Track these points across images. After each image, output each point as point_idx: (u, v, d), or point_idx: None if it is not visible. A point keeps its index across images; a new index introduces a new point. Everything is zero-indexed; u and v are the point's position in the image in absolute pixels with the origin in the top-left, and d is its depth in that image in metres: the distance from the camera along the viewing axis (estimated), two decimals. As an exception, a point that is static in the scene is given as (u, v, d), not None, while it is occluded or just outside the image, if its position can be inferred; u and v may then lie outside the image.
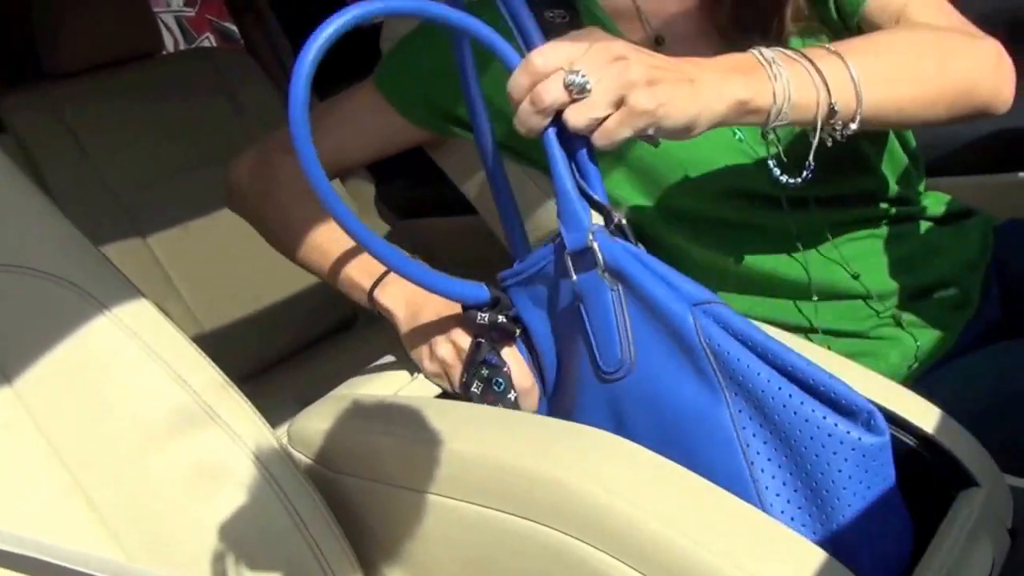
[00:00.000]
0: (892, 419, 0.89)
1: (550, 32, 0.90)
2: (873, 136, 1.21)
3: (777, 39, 1.17)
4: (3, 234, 0.96)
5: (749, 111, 0.94)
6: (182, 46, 6.23)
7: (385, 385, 1.07)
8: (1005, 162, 1.66)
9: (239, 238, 2.06)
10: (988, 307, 1.27)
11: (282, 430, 1.04)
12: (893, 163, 1.23)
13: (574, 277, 0.90)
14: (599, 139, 0.87)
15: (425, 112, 1.26)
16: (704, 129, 0.91)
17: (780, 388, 0.80)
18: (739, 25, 1.19)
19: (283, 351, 2.23)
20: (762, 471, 0.82)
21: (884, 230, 1.22)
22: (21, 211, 0.98)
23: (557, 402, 1.02)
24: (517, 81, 0.87)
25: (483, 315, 1.00)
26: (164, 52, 2.48)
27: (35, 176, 1.97)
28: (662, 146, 1.15)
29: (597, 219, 0.91)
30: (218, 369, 0.98)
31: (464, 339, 1.04)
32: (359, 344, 2.21)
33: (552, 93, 0.85)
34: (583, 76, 0.84)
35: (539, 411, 1.03)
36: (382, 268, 1.11)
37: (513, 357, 1.02)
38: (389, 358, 1.13)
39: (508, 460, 0.86)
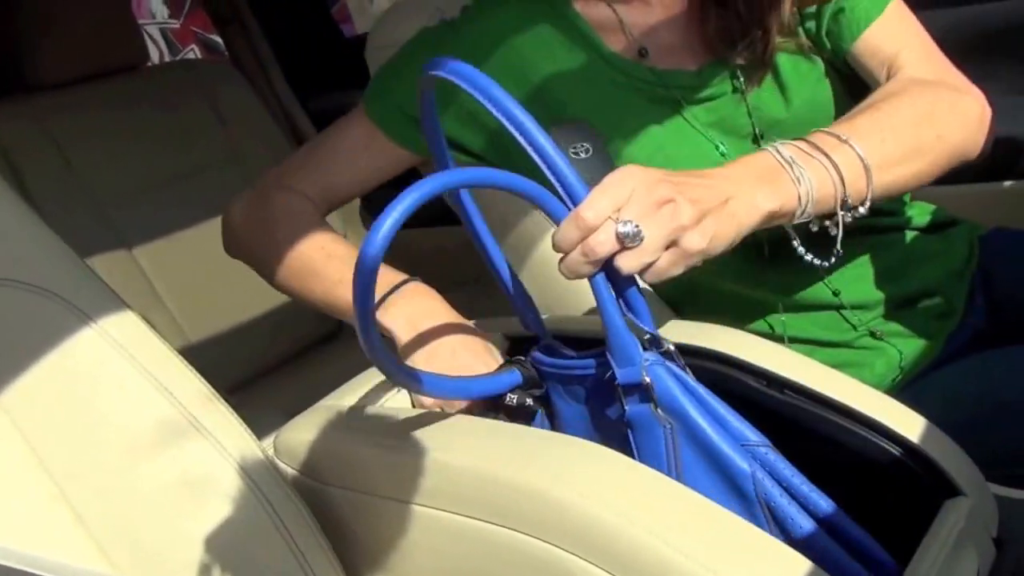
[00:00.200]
0: (877, 429, 0.90)
1: (576, 165, 0.89)
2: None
3: (763, 53, 1.18)
4: (-12, 246, 0.96)
5: (777, 218, 0.96)
6: (167, 58, 6.25)
7: (371, 396, 1.07)
8: (990, 171, 1.67)
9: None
10: (973, 316, 1.28)
11: (268, 441, 1.04)
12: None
13: (626, 408, 0.89)
14: (650, 277, 0.88)
15: (411, 132, 1.25)
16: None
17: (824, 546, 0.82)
18: (725, 38, 1.20)
19: (269, 362, 2.23)
20: None
21: (869, 240, 1.23)
22: (5, 223, 0.98)
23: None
24: (567, 235, 0.85)
25: (512, 396, 0.99)
26: (149, 64, 2.47)
27: (19, 187, 1.97)
28: (647, 161, 1.17)
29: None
30: (204, 381, 0.97)
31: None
32: (345, 355, 2.21)
33: (605, 246, 0.84)
34: (636, 226, 0.84)
35: None
36: (382, 292, 1.09)
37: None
38: (374, 369, 1.13)
39: (494, 471, 0.85)
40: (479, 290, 1.22)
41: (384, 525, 0.95)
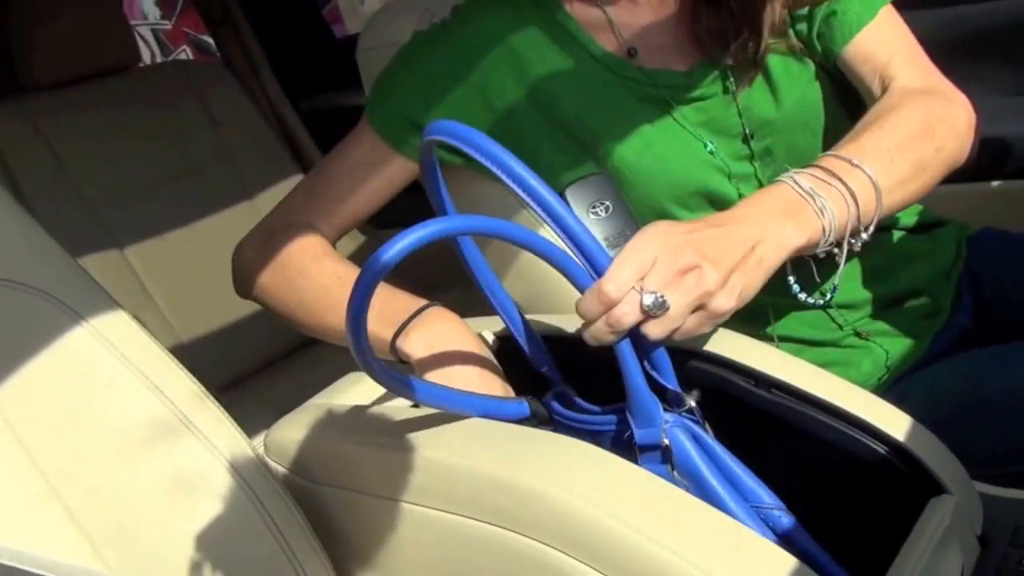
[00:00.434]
0: (864, 427, 0.90)
1: (595, 227, 0.88)
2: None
3: (754, 54, 1.19)
4: (-20, 246, 0.96)
5: (803, 251, 0.97)
6: (159, 59, 6.24)
7: (361, 394, 1.07)
8: (977, 172, 1.68)
9: (215, 249, 2.07)
10: (959, 316, 1.28)
11: (259, 440, 1.04)
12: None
13: (641, 467, 0.88)
14: (678, 337, 0.88)
15: (415, 139, 1.24)
16: None
17: None
18: (716, 39, 1.21)
19: (259, 361, 2.23)
20: None
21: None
22: (-3, 222, 0.98)
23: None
24: (590, 307, 0.86)
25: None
26: (141, 64, 2.47)
27: (11, 187, 1.97)
28: (636, 159, 1.17)
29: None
30: (194, 379, 0.98)
31: None
32: (334, 354, 2.19)
33: (630, 317, 0.84)
34: (660, 297, 0.84)
35: None
36: (402, 318, 1.07)
37: None
38: (364, 368, 1.13)
39: (484, 469, 0.86)
40: (474, 293, 1.22)
41: (375, 523, 0.95)
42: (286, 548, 0.94)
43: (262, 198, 2.33)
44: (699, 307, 0.88)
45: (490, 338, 1.13)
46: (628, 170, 1.18)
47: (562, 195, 1.07)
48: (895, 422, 0.91)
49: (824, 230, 0.98)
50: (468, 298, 1.11)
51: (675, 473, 0.88)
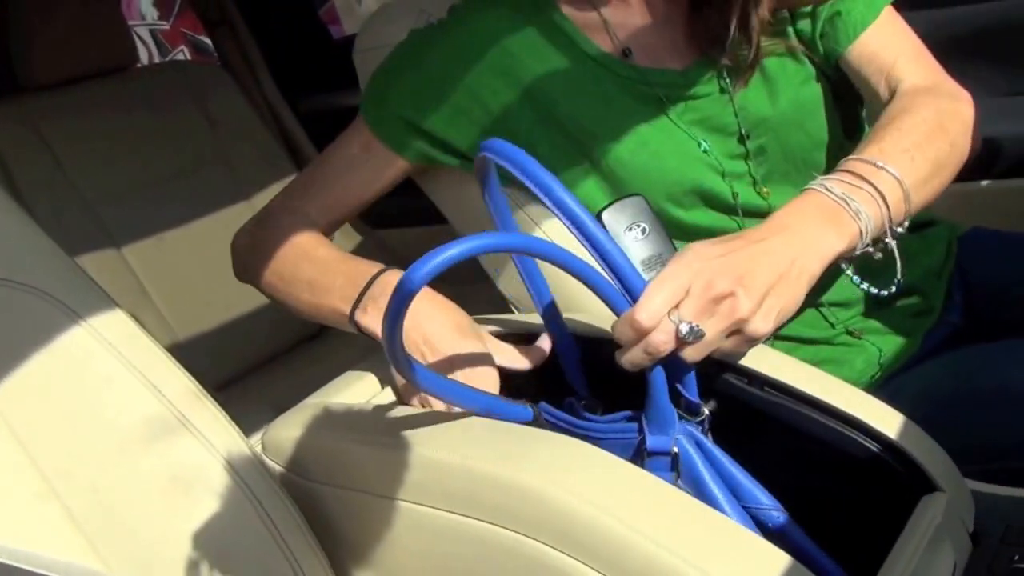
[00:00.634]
0: (856, 425, 0.90)
1: (632, 249, 0.88)
2: (837, 148, 1.24)
3: (749, 54, 1.19)
4: (-22, 245, 0.97)
5: (842, 256, 0.98)
6: (156, 59, 6.23)
7: (358, 393, 1.07)
8: (967, 171, 1.68)
9: (212, 249, 2.07)
10: (950, 314, 1.29)
11: (256, 438, 1.04)
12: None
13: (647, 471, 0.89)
14: (717, 355, 0.90)
15: (406, 138, 1.26)
16: None
17: None
18: (709, 39, 1.21)
19: (256, 360, 2.23)
20: None
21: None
22: (-4, 222, 0.99)
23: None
24: (625, 335, 0.87)
25: None
26: (139, 65, 2.47)
27: (10, 188, 1.97)
28: (631, 157, 1.18)
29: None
30: (192, 378, 0.98)
31: None
32: (331, 352, 2.21)
33: (666, 345, 0.86)
34: (696, 326, 0.85)
35: None
36: (357, 294, 1.10)
37: None
38: (362, 366, 1.14)
39: (481, 467, 0.86)
40: (473, 289, 1.22)
41: (372, 521, 0.95)
42: (283, 546, 0.94)
43: (259, 198, 2.33)
44: (736, 331, 0.89)
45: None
46: (623, 168, 1.19)
47: (598, 217, 1.08)
48: (887, 420, 0.91)
49: (861, 234, 0.99)
50: (468, 298, 1.12)
51: (679, 482, 0.89)
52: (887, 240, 1.02)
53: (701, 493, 0.88)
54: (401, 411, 0.99)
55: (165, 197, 2.22)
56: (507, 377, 1.05)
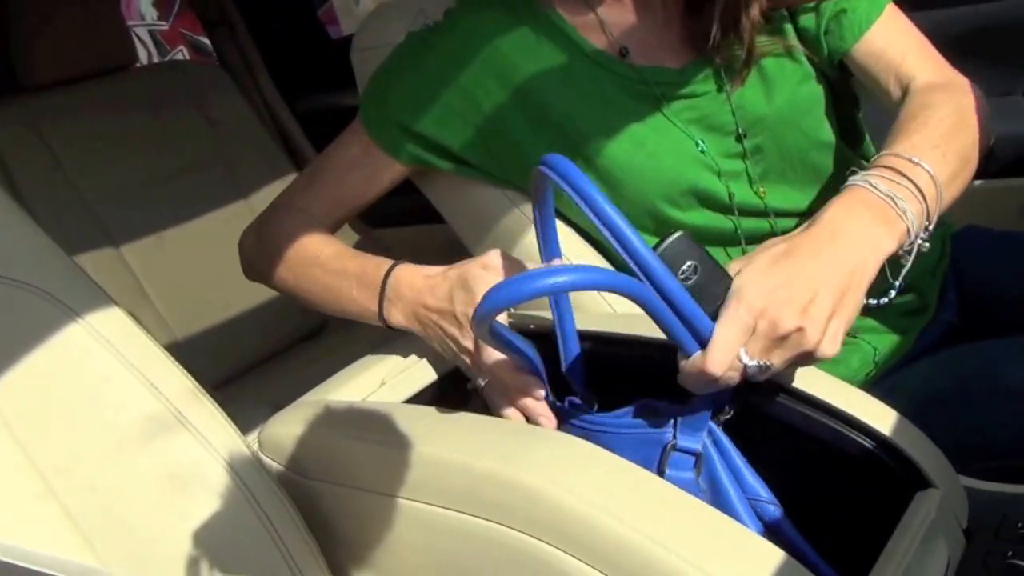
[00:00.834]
0: (851, 422, 0.91)
1: (690, 287, 0.89)
2: (834, 148, 1.24)
3: (745, 53, 1.19)
4: (-23, 244, 0.97)
5: (891, 256, 0.97)
6: (155, 59, 6.23)
7: (355, 390, 1.08)
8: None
9: (211, 248, 2.07)
10: (945, 312, 1.29)
11: (253, 436, 1.04)
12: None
13: (666, 470, 0.90)
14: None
15: (402, 142, 1.27)
16: None
17: None
18: (705, 38, 1.21)
19: (254, 358, 2.23)
20: None
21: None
22: (-5, 221, 0.99)
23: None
24: (695, 381, 0.88)
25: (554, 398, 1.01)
26: (138, 65, 2.47)
27: (9, 187, 1.97)
28: (627, 157, 1.18)
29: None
30: (189, 376, 0.98)
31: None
32: (329, 350, 2.22)
33: (734, 381, 0.87)
34: (764, 364, 0.86)
35: None
36: (372, 294, 1.13)
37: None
38: (359, 364, 1.14)
39: (478, 464, 0.86)
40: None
41: (369, 519, 0.95)
42: (280, 544, 0.94)
43: (257, 198, 2.33)
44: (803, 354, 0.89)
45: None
46: (619, 169, 1.19)
47: None
48: (882, 417, 0.91)
49: (909, 232, 0.97)
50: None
51: (699, 480, 0.89)
52: (920, 240, 1.00)
53: (716, 489, 0.89)
54: (399, 408, 0.99)
55: (164, 197, 2.22)
56: None
